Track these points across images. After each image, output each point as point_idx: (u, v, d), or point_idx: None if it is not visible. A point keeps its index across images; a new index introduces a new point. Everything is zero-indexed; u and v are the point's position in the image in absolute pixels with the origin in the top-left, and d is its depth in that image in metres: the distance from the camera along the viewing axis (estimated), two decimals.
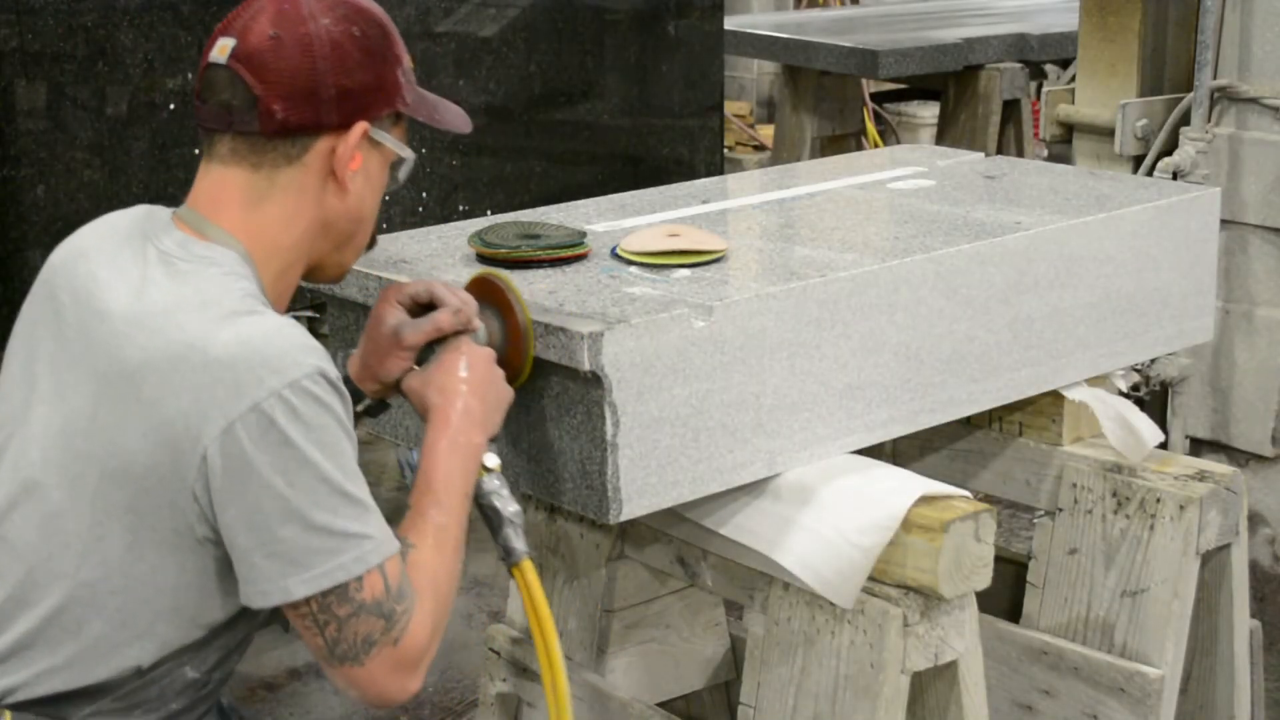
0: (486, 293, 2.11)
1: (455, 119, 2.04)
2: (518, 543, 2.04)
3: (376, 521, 1.83)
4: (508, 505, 2.03)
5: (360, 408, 2.13)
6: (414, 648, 1.83)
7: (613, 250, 2.37)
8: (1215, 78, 3.72)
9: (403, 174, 1.99)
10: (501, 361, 2.07)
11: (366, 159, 1.92)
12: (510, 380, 2.07)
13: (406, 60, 1.97)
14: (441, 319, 2.03)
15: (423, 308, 2.08)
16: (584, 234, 2.39)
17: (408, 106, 1.95)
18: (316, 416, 1.76)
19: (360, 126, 1.89)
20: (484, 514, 2.04)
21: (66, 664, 1.82)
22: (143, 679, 1.85)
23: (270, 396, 1.74)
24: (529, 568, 2.05)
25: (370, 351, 2.10)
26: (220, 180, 1.90)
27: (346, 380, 2.12)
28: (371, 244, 2.03)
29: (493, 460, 2.02)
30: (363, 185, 1.93)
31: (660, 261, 2.29)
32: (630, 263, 2.30)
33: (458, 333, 2.04)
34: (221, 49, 1.90)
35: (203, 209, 1.90)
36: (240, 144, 1.88)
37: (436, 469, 1.95)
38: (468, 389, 1.98)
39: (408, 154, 1.98)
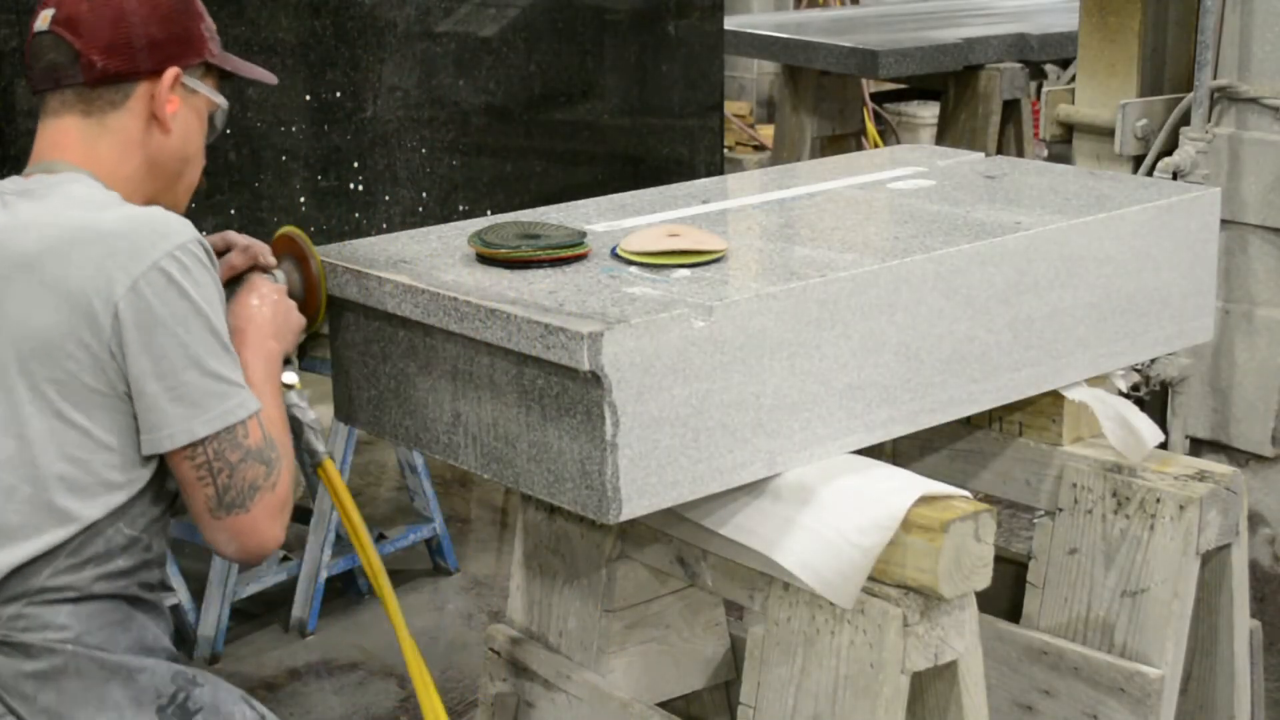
0: (286, 247, 2.39)
1: (261, 74, 2.36)
2: (318, 445, 2.36)
3: (241, 375, 2.09)
4: (306, 414, 2.34)
5: None
6: (285, 493, 2.10)
7: (613, 250, 2.37)
8: (1215, 78, 3.72)
9: (219, 121, 2.30)
10: (303, 307, 2.35)
11: (184, 104, 2.22)
12: (310, 320, 2.37)
13: (209, 21, 2.26)
14: (233, 258, 2.30)
15: (221, 255, 2.33)
16: (584, 234, 2.39)
17: (215, 57, 2.25)
18: (202, 275, 2.04)
19: (172, 72, 2.18)
20: (290, 423, 2.28)
21: (22, 532, 2.03)
22: (87, 533, 2.04)
23: (165, 256, 2.01)
24: (330, 465, 2.38)
25: None
26: (56, 130, 2.17)
27: None
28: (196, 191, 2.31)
29: (290, 378, 2.31)
30: (183, 127, 2.22)
31: (660, 261, 2.29)
32: (630, 263, 2.30)
33: (253, 270, 2.31)
34: (44, 19, 2.17)
35: (45, 157, 2.17)
36: (69, 96, 2.16)
37: (253, 372, 2.16)
38: (259, 308, 2.24)
39: (221, 101, 2.27)
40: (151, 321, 1.99)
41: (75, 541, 2.04)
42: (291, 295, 2.35)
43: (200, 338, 2.02)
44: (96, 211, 2.07)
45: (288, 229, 2.43)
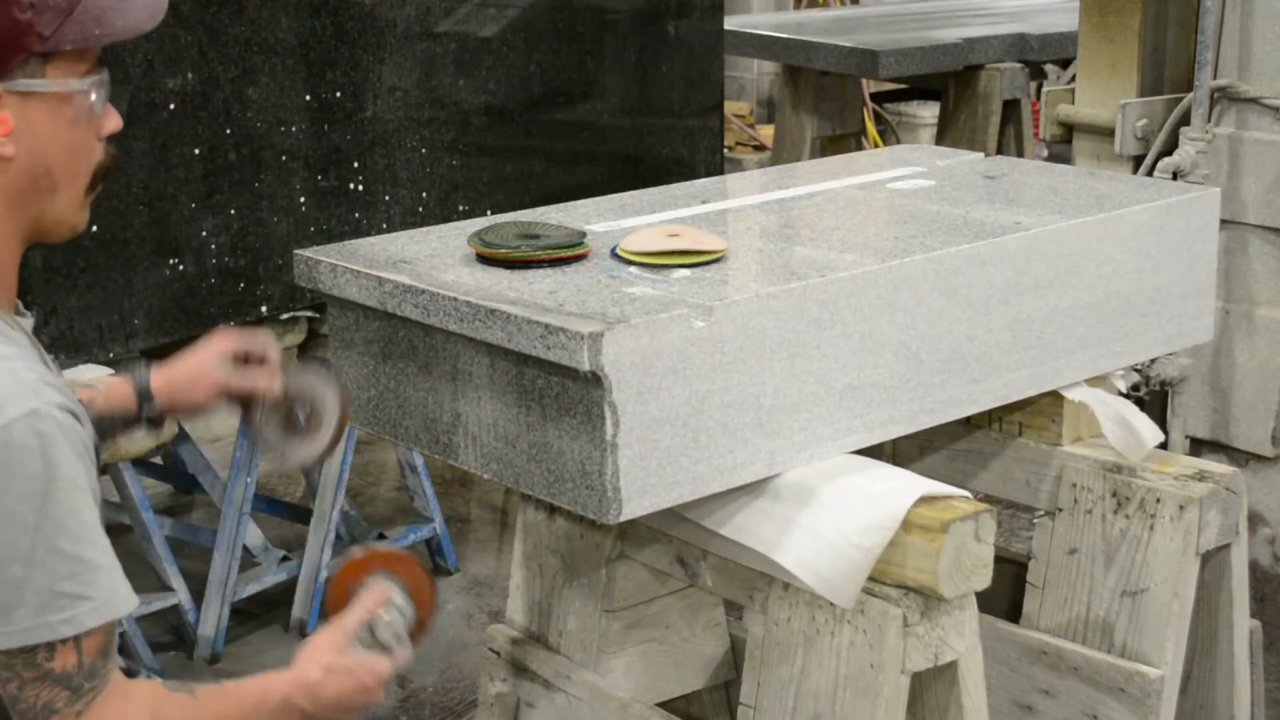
0: (386, 563, 2.16)
1: (132, 19, 1.80)
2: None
3: (104, 581, 1.73)
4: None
5: (147, 415, 2.19)
6: None
7: (612, 250, 2.37)
8: (1215, 78, 3.72)
9: (102, 96, 1.81)
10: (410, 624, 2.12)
11: (23, 115, 1.73)
12: (422, 629, 2.14)
13: None
14: (260, 383, 2.16)
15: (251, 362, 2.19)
16: (584, 234, 2.39)
17: (46, 42, 1.72)
18: (23, 465, 1.65)
19: None
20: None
21: None
22: None
23: None
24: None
25: (187, 376, 2.18)
26: None
27: (145, 392, 2.17)
28: (98, 180, 1.87)
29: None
30: (31, 141, 1.75)
31: (660, 261, 2.29)
32: (630, 263, 2.30)
33: (385, 649, 2.06)
34: None
35: None
36: None
37: (265, 692, 1.91)
38: (318, 680, 1.96)
39: (75, 87, 1.77)
40: None
41: None
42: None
43: (7, 543, 1.66)
44: None
45: (406, 556, 2.19)
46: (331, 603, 2.18)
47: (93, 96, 1.79)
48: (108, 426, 2.18)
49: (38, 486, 1.66)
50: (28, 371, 1.70)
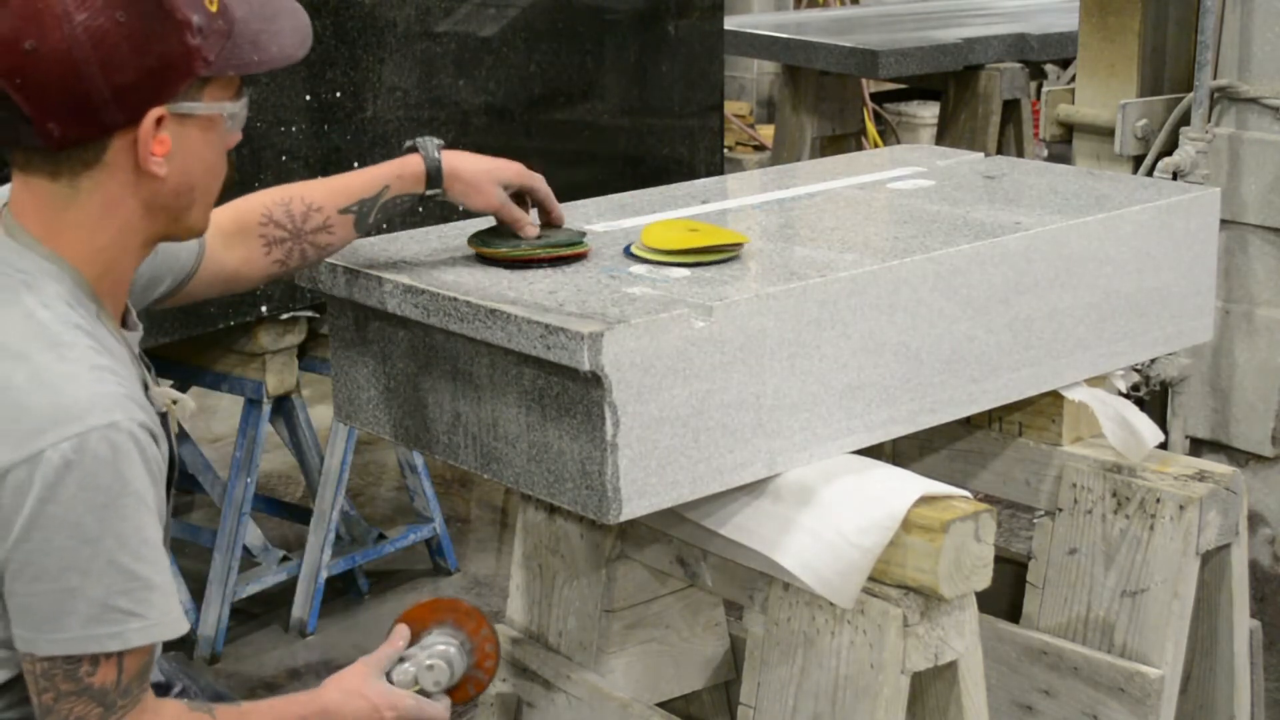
0: (444, 614, 2.21)
1: (286, 44, 1.88)
2: None
3: (158, 602, 1.75)
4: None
5: (432, 193, 2.30)
6: None
7: (626, 249, 2.37)
8: (1215, 78, 3.72)
9: (242, 119, 1.89)
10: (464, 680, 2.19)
11: (180, 135, 1.80)
12: (465, 698, 2.21)
13: (200, 15, 1.78)
14: (526, 226, 2.26)
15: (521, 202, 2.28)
16: (584, 233, 2.39)
17: (210, 66, 1.79)
18: (95, 476, 1.68)
19: (152, 116, 1.76)
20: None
21: None
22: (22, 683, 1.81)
23: (48, 449, 1.66)
24: None
25: (472, 183, 2.28)
26: (25, 188, 1.80)
27: (436, 173, 2.26)
28: (227, 186, 1.95)
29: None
30: (182, 161, 1.81)
31: (679, 260, 2.29)
32: (648, 260, 2.30)
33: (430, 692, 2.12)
34: None
35: (17, 215, 1.82)
36: (33, 155, 1.77)
37: (263, 712, 1.94)
38: (337, 706, 2.00)
39: (228, 108, 1.85)
40: (11, 518, 1.68)
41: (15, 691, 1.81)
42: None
43: (65, 551, 1.68)
44: (14, 362, 1.71)
45: (464, 606, 2.22)
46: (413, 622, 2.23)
47: (238, 118, 1.88)
48: (396, 208, 2.29)
49: (106, 499, 1.68)
50: (118, 385, 1.73)
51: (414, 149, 2.28)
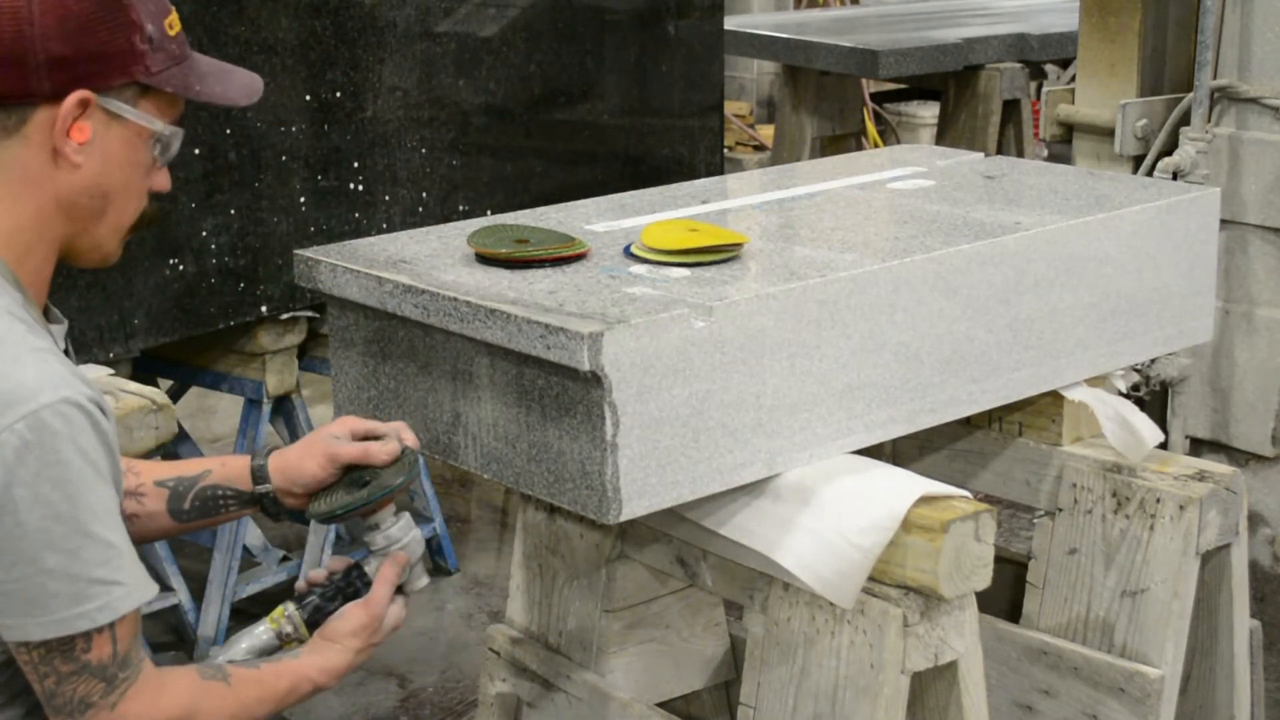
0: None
1: (232, 90, 1.93)
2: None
3: (130, 568, 1.75)
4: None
5: (261, 493, 2.11)
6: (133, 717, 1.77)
7: (626, 249, 2.37)
8: (1215, 78, 3.72)
9: (169, 150, 1.89)
10: None
11: (103, 132, 1.81)
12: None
13: (156, 27, 1.83)
14: (373, 448, 2.02)
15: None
16: (584, 234, 2.39)
17: (151, 76, 1.82)
18: (54, 451, 1.68)
19: (75, 96, 1.77)
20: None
21: None
22: (13, 669, 1.80)
23: (3, 433, 1.66)
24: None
25: (299, 450, 2.09)
26: None
27: (262, 470, 2.10)
28: (144, 222, 1.93)
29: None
30: (101, 160, 1.82)
31: (679, 260, 2.29)
32: (648, 260, 2.30)
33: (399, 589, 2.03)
34: None
35: None
36: None
37: (297, 678, 1.94)
38: (353, 664, 1.99)
39: (160, 128, 1.86)
40: None
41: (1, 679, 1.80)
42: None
43: (37, 529, 1.67)
44: None
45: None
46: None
47: (165, 145, 1.87)
48: (216, 501, 2.14)
49: (69, 473, 1.69)
50: (60, 364, 1.74)
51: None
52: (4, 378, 1.69)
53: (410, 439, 2.07)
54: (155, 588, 1.79)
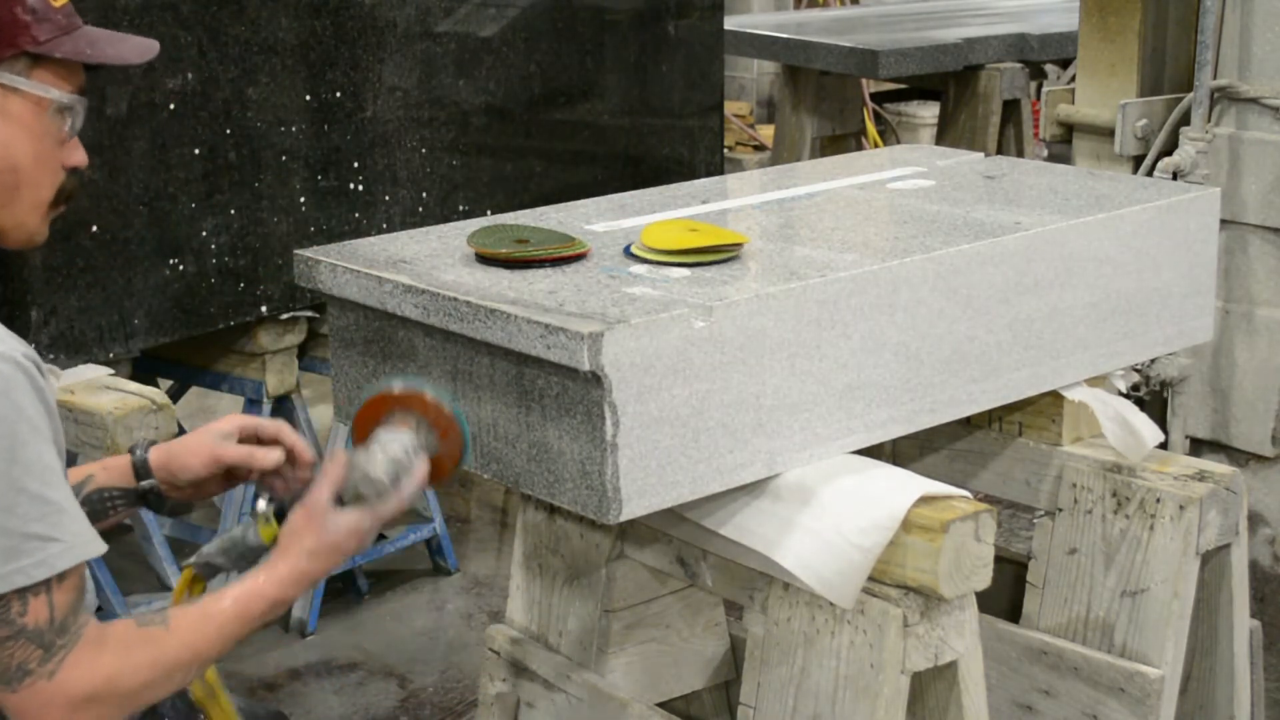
0: (407, 403, 2.04)
1: (125, 51, 1.94)
2: (217, 559, 2.05)
3: (70, 524, 1.73)
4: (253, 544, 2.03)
5: (145, 489, 2.10)
6: (71, 690, 1.73)
7: (626, 249, 2.37)
8: (1215, 78, 3.72)
9: (72, 120, 1.90)
10: (437, 459, 2.03)
11: (1, 103, 1.83)
12: (445, 474, 2.05)
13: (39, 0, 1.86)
14: (257, 453, 2.03)
15: (259, 443, 2.08)
16: (584, 234, 2.39)
17: (39, 45, 1.84)
18: None
19: None
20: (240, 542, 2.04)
21: None
22: None
23: None
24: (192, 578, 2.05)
25: (185, 445, 2.09)
26: None
27: (143, 465, 2.10)
28: (61, 200, 1.93)
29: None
30: (3, 131, 1.83)
31: (679, 260, 2.29)
32: (648, 260, 2.30)
33: (361, 496, 1.98)
34: None
35: None
36: None
37: (249, 597, 1.90)
38: (328, 557, 1.97)
39: (56, 96, 1.87)
40: None
41: None
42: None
43: None
44: None
45: (415, 390, 2.05)
46: (357, 442, 2.08)
47: (67, 113, 1.88)
48: (104, 504, 2.12)
49: (4, 429, 1.67)
50: None
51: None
52: None
53: (290, 440, 2.07)
54: (101, 546, 1.76)
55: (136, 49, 1.96)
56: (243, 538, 2.05)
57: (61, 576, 1.72)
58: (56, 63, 1.87)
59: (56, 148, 1.89)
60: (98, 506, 2.09)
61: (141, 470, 2.10)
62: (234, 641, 1.88)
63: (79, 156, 1.93)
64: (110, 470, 2.11)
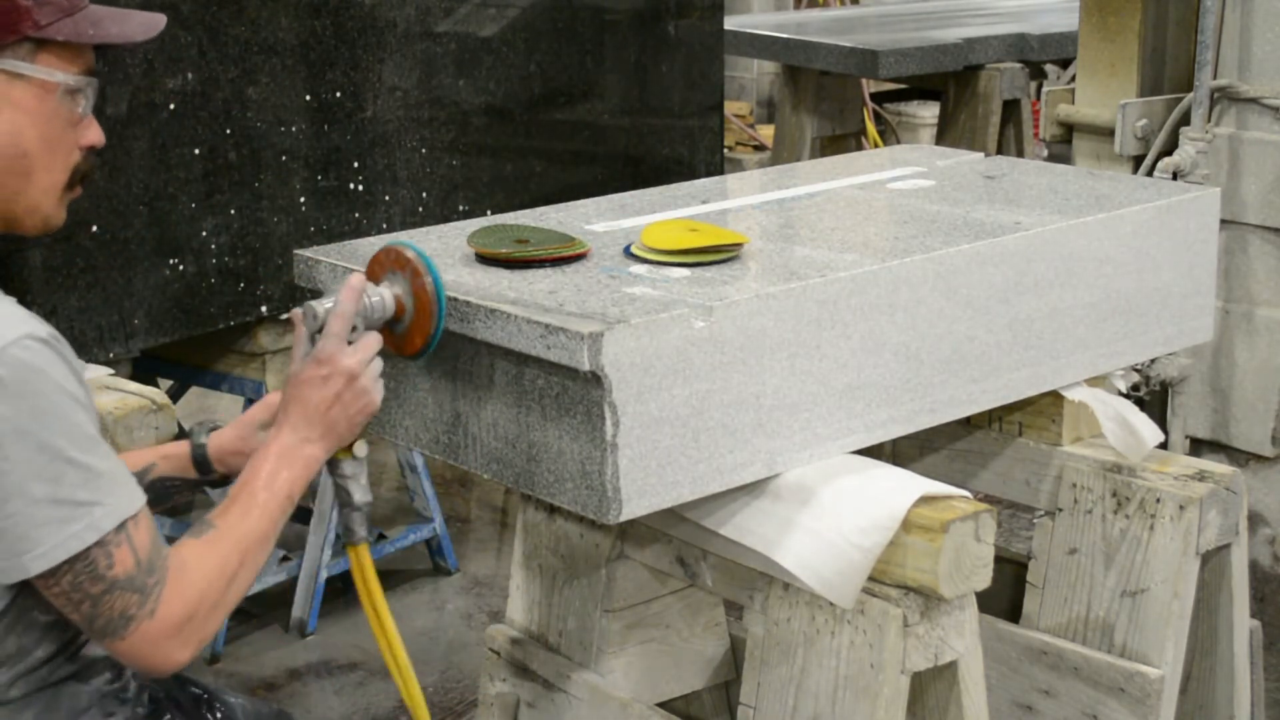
0: (397, 264, 2.13)
1: (129, 29, 1.96)
2: (359, 528, 2.16)
3: (111, 486, 1.80)
4: (362, 494, 2.14)
5: (207, 482, 2.22)
6: (172, 620, 1.83)
7: (626, 249, 2.37)
8: (1215, 78, 3.72)
9: (83, 101, 1.92)
10: (407, 332, 2.13)
11: (6, 92, 1.85)
12: (416, 351, 2.14)
13: None
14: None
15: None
16: (584, 234, 2.39)
17: (41, 29, 1.85)
18: (27, 384, 1.73)
19: None
20: (338, 491, 2.14)
21: None
22: None
23: None
24: (364, 552, 2.17)
25: (234, 443, 2.21)
26: None
27: (204, 460, 2.20)
28: (77, 181, 1.96)
29: (362, 450, 2.13)
30: (10, 121, 1.86)
31: (679, 260, 2.29)
32: (648, 260, 2.30)
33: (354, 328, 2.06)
34: None
35: None
36: None
37: (263, 473, 1.97)
38: (317, 411, 2.02)
39: (63, 79, 1.89)
40: None
41: None
42: (397, 320, 2.14)
43: (23, 461, 1.72)
44: None
45: (398, 244, 2.15)
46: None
47: (77, 95, 1.90)
48: (167, 491, 2.22)
49: (44, 403, 1.74)
50: (15, 305, 1.79)
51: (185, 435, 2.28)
52: None
53: None
54: (142, 497, 1.83)
55: (142, 25, 1.97)
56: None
57: (136, 521, 1.80)
58: (61, 45, 1.88)
59: (68, 130, 1.91)
60: (161, 494, 2.20)
61: (202, 466, 2.21)
62: (281, 513, 1.96)
63: (93, 135, 1.95)
64: (170, 460, 2.22)
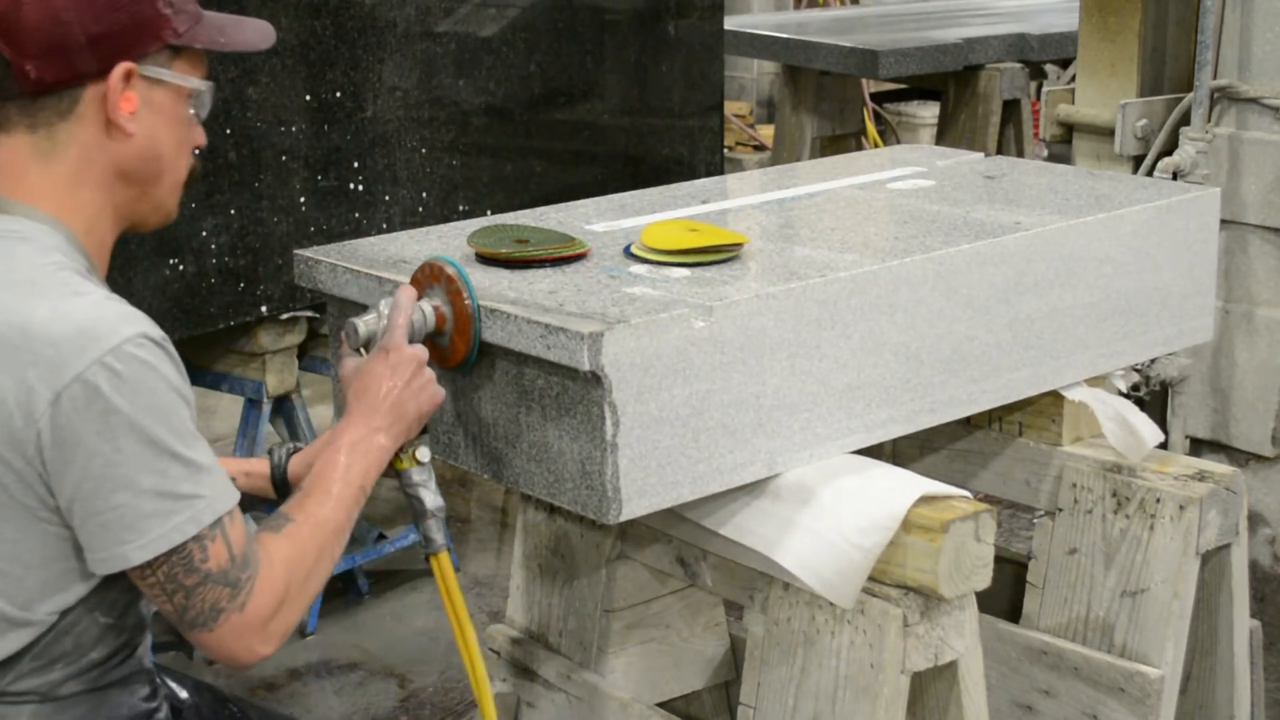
0: (435, 277, 2.17)
1: (250, 37, 2.05)
2: (437, 535, 2.16)
3: (211, 481, 1.85)
4: (434, 499, 2.15)
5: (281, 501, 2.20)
6: (260, 614, 1.87)
7: (626, 249, 2.37)
8: (1215, 78, 3.72)
9: (203, 105, 2.00)
10: (450, 343, 2.16)
11: (147, 98, 1.93)
12: (459, 361, 2.16)
13: None
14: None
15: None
16: (584, 234, 2.39)
17: (180, 37, 1.94)
18: (141, 380, 1.78)
19: (121, 69, 1.89)
20: (411, 502, 2.15)
21: None
22: (52, 634, 1.87)
23: (93, 365, 1.76)
24: (445, 559, 2.18)
25: (310, 452, 2.24)
26: (6, 149, 1.92)
27: (283, 481, 2.26)
28: (193, 177, 2.04)
29: (425, 454, 2.13)
30: (150, 124, 1.94)
31: (679, 260, 2.29)
32: (648, 260, 2.30)
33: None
34: None
35: (2, 180, 1.93)
36: (11, 109, 1.90)
37: (336, 465, 2.01)
38: (385, 400, 2.06)
39: (196, 85, 1.97)
40: (73, 441, 1.76)
41: (40, 644, 1.86)
42: (439, 333, 2.16)
43: (133, 453, 1.77)
44: (31, 301, 1.80)
45: (437, 259, 2.19)
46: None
47: (202, 98, 2.00)
48: (246, 509, 2.21)
49: (156, 399, 1.79)
50: (126, 304, 1.85)
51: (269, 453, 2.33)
52: (85, 318, 1.79)
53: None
54: (236, 494, 1.89)
55: (259, 33, 2.07)
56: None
57: (232, 516, 1.85)
58: (193, 52, 1.97)
59: (190, 131, 2.00)
60: (242, 508, 2.20)
61: (281, 487, 2.26)
62: (355, 504, 2.00)
63: (201, 137, 2.03)
64: (251, 477, 2.27)
